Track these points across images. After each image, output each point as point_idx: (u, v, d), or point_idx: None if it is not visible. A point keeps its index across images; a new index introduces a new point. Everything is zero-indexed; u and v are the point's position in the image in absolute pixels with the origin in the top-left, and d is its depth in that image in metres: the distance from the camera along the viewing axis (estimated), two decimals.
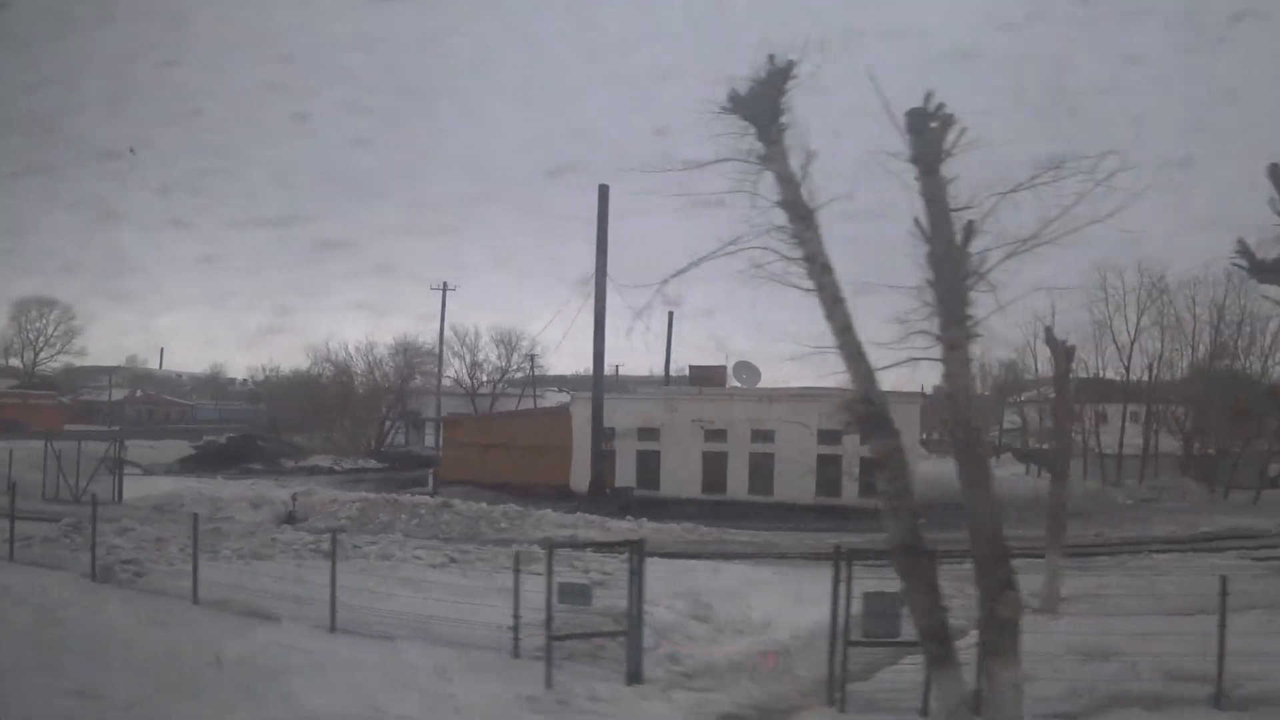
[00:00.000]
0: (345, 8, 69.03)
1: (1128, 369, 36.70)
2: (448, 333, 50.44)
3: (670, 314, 40.91)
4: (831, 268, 6.60)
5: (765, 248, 6.78)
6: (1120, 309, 36.18)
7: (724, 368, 33.05)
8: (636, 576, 8.28)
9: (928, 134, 6.12)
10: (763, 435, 27.56)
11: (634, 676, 8.16)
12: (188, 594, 11.37)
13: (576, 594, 8.42)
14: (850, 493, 27.35)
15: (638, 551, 8.44)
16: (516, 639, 8.69)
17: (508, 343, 53.00)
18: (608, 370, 32.86)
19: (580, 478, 29.08)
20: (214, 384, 71.27)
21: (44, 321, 50.23)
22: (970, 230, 6.25)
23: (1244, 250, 6.82)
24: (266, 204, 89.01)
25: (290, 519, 19.57)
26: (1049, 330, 13.57)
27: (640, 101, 65.46)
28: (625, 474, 28.56)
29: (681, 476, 28.05)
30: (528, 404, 49.84)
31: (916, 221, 6.32)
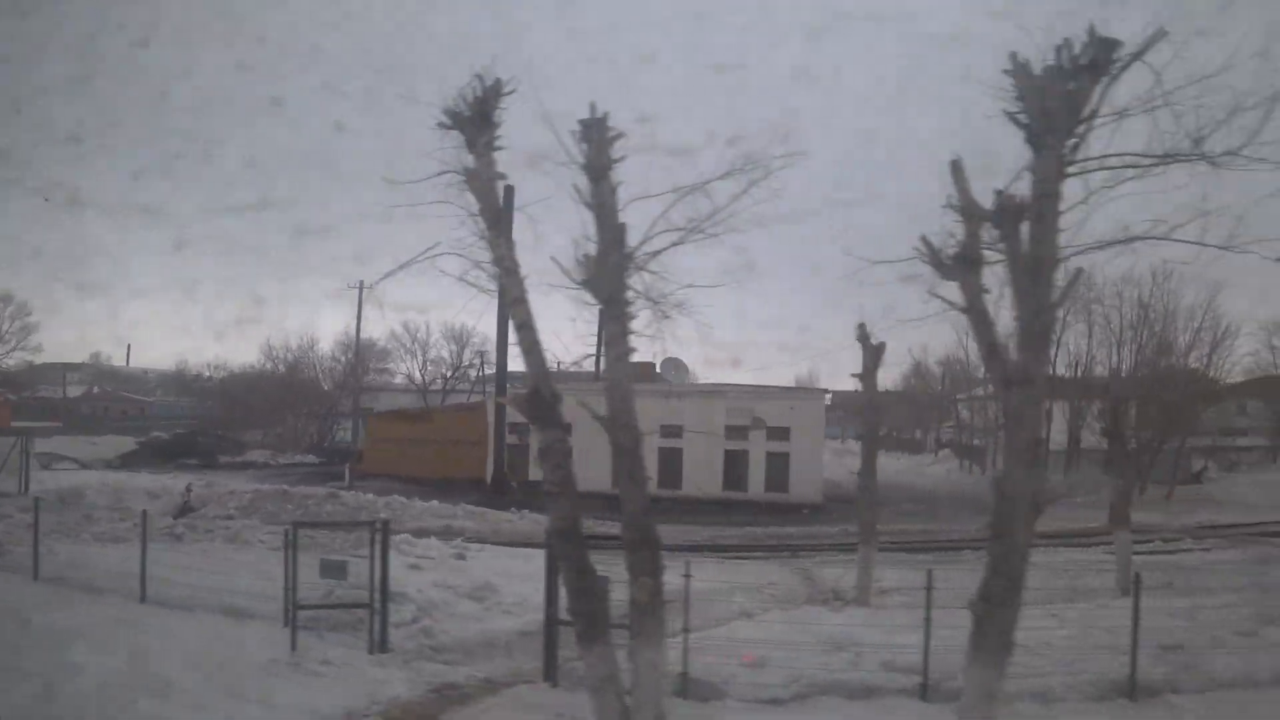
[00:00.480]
0: None
1: (1054, 365, 38.14)
2: (399, 329, 51.41)
3: (600, 311, 41.81)
4: (517, 270, 7.41)
5: (458, 253, 7.64)
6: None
7: (653, 364, 34.07)
8: (382, 554, 9.21)
9: (595, 143, 6.87)
10: (671, 431, 28.51)
11: (379, 646, 9.04)
12: (31, 570, 12.32)
13: (334, 569, 9.31)
14: (757, 487, 28.45)
15: (382, 532, 9.36)
16: (286, 609, 9.57)
17: (459, 340, 53.88)
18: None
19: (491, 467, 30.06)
20: (179, 380, 71.69)
21: None
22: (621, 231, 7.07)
23: (928, 246, 6.61)
24: (240, 189, 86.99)
25: (185, 509, 20.35)
26: (861, 327, 14.45)
27: (621, 88, 65.98)
28: (535, 466, 29.48)
29: (593, 470, 28.81)
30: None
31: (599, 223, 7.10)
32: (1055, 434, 38.33)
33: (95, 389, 60.23)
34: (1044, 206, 5.47)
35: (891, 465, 47.63)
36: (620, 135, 6.90)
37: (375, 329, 57.50)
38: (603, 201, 6.96)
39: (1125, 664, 8.14)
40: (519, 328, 7.45)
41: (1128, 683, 8.08)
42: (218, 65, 72.39)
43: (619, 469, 7.35)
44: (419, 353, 53.77)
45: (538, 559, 14.65)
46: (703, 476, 28.05)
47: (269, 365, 49.66)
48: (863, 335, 14.59)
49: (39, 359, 54.51)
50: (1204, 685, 8.09)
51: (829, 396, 30.87)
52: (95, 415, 54.63)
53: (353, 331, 49.58)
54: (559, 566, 7.15)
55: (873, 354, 14.64)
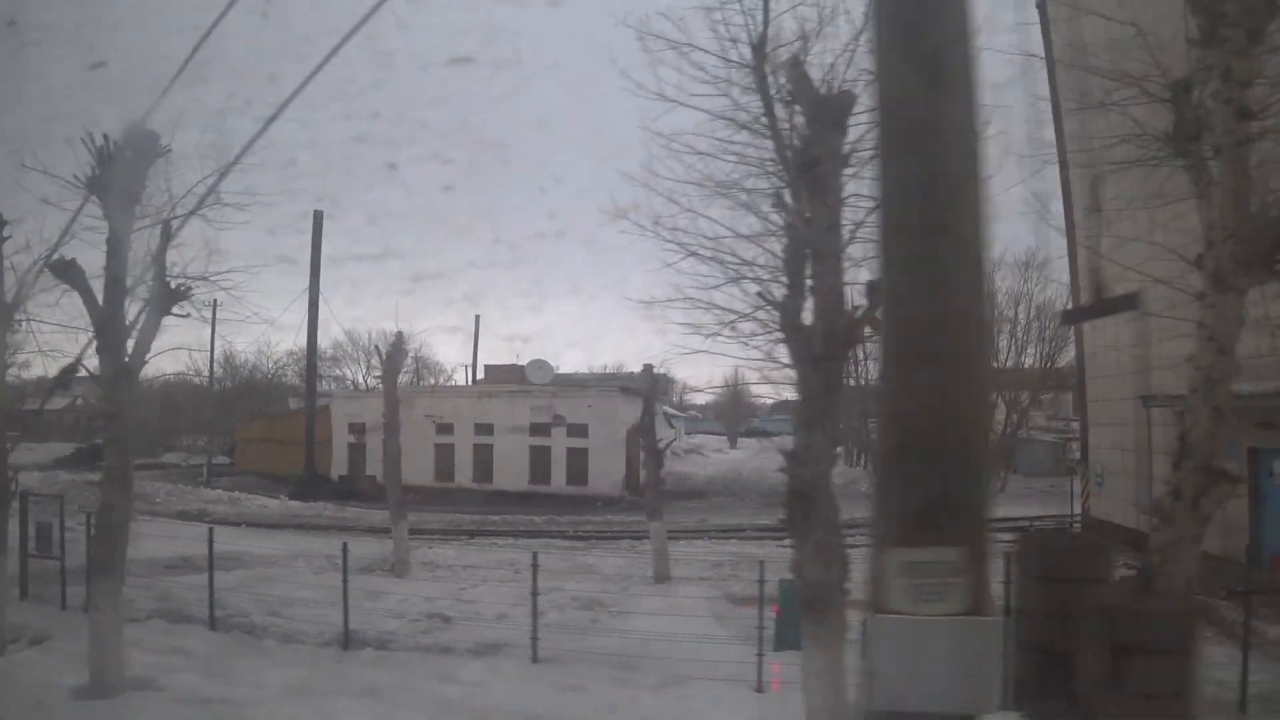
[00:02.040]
0: (424, 71, 78.48)
1: None
2: (342, 338, 54.95)
3: (477, 317, 44.57)
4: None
5: None
6: None
7: (520, 367, 36.62)
8: None
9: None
10: (484, 428, 31.00)
11: None
12: None
13: None
14: (559, 481, 30.74)
15: None
16: None
17: (398, 346, 57.08)
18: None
19: (339, 467, 32.95)
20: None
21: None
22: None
23: None
24: (364, 242, 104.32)
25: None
26: (399, 334, 17.25)
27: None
28: (374, 464, 32.27)
29: (417, 466, 31.53)
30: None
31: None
32: None
33: (78, 400, 65.37)
34: None
35: (770, 459, 49.34)
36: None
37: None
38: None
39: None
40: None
41: None
42: (339, 137, 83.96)
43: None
44: (361, 359, 57.31)
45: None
46: (512, 471, 30.45)
47: (222, 375, 53.59)
48: (396, 343, 17.22)
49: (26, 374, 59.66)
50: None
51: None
52: (70, 425, 59.40)
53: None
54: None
55: (394, 359, 17.11)
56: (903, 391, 2.59)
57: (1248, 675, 7.70)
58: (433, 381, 45.07)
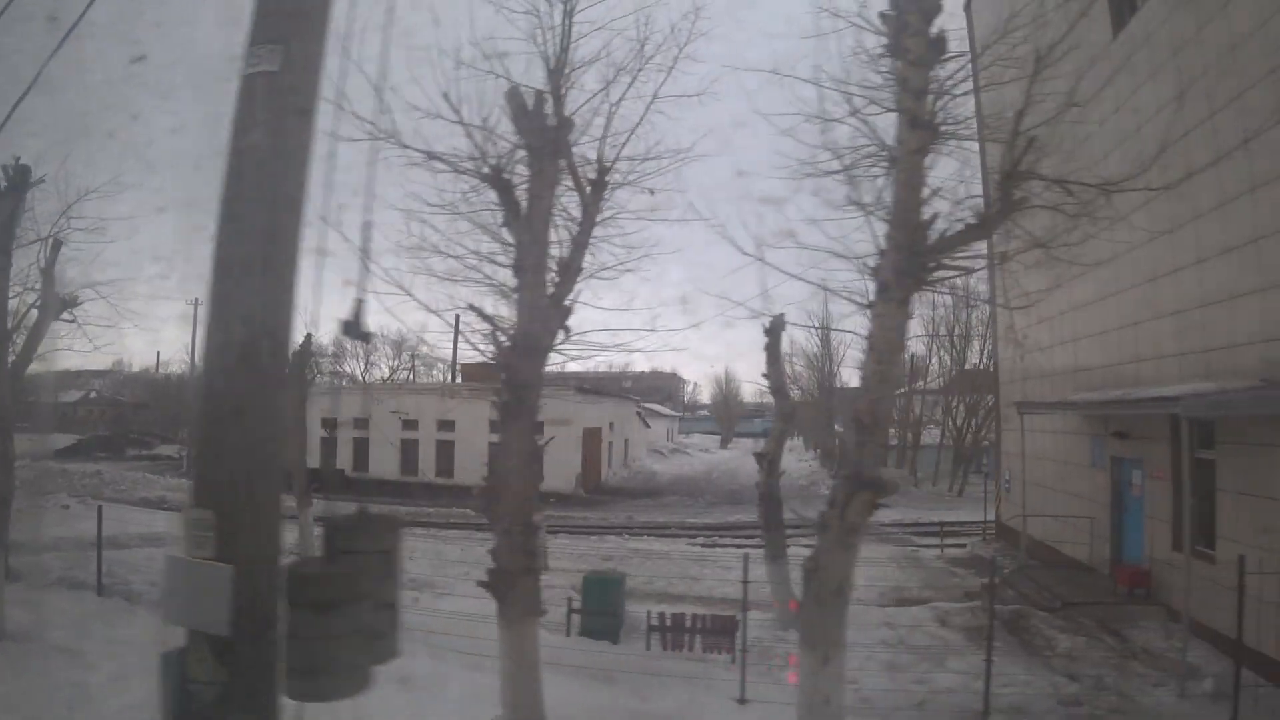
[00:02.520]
0: None
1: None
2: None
3: (457, 316, 45.65)
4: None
5: None
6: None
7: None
8: None
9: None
10: (446, 425, 31.91)
11: None
12: None
13: None
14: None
15: None
16: None
17: (398, 344, 58.59)
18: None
19: (312, 459, 34.05)
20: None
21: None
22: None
23: None
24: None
25: None
26: (307, 335, 17.95)
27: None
28: (344, 458, 33.38)
29: (385, 460, 32.66)
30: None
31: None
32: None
33: (92, 394, 67.66)
34: None
35: (752, 459, 49.84)
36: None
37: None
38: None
39: None
40: None
41: None
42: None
43: None
44: (361, 356, 58.81)
45: None
46: (472, 466, 31.28)
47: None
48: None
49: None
50: None
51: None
52: (83, 417, 61.63)
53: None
54: None
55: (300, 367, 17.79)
56: (212, 396, 3.27)
57: (990, 685, 8.06)
58: (412, 378, 46.14)
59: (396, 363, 57.92)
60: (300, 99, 3.34)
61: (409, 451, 32.28)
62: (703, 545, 20.11)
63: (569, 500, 29.56)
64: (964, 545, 19.99)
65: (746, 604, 9.01)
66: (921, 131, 5.82)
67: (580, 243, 8.04)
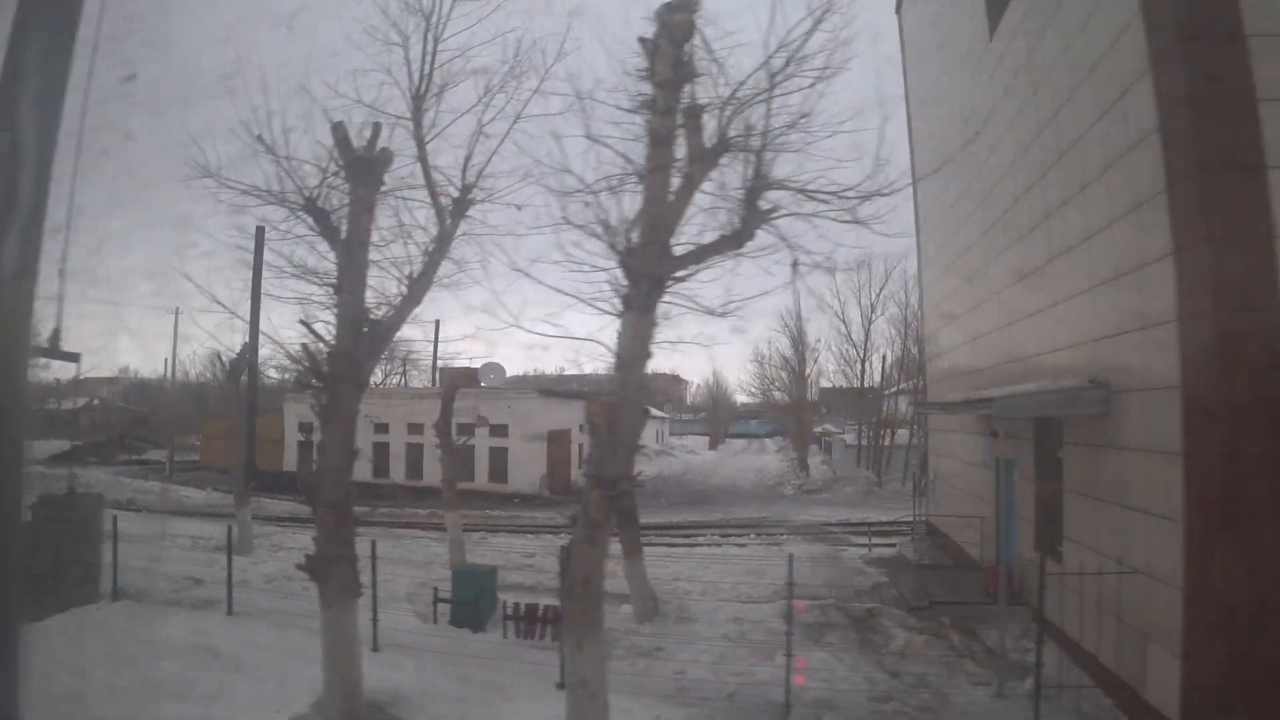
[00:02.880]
0: None
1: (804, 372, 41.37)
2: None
3: (437, 322, 46.50)
4: None
5: None
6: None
7: (474, 369, 38.37)
8: None
9: None
10: (415, 428, 32.71)
11: None
12: None
13: None
14: (482, 477, 32.35)
15: None
16: None
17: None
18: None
19: (290, 463, 35.04)
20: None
21: None
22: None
23: None
24: None
25: None
26: (244, 344, 18.98)
27: None
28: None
29: (359, 463, 33.51)
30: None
31: None
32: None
33: (96, 401, 69.20)
34: None
35: (735, 460, 50.52)
36: None
37: None
38: None
39: None
40: None
41: None
42: None
43: None
44: None
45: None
46: (438, 468, 32.05)
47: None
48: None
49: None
50: None
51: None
52: (85, 425, 63.06)
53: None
54: None
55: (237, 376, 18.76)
56: None
57: (790, 678, 8.52)
58: (404, 383, 47.02)
59: (389, 367, 58.94)
60: None
61: (380, 454, 33.10)
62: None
63: (533, 501, 30.29)
64: (894, 545, 20.49)
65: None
66: (661, 149, 6.48)
67: (434, 259, 8.82)
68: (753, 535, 22.21)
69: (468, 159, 8.77)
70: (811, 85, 6.61)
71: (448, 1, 8.70)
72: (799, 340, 42.12)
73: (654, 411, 64.69)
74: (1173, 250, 7.63)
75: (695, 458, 54.35)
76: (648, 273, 6.41)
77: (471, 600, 10.84)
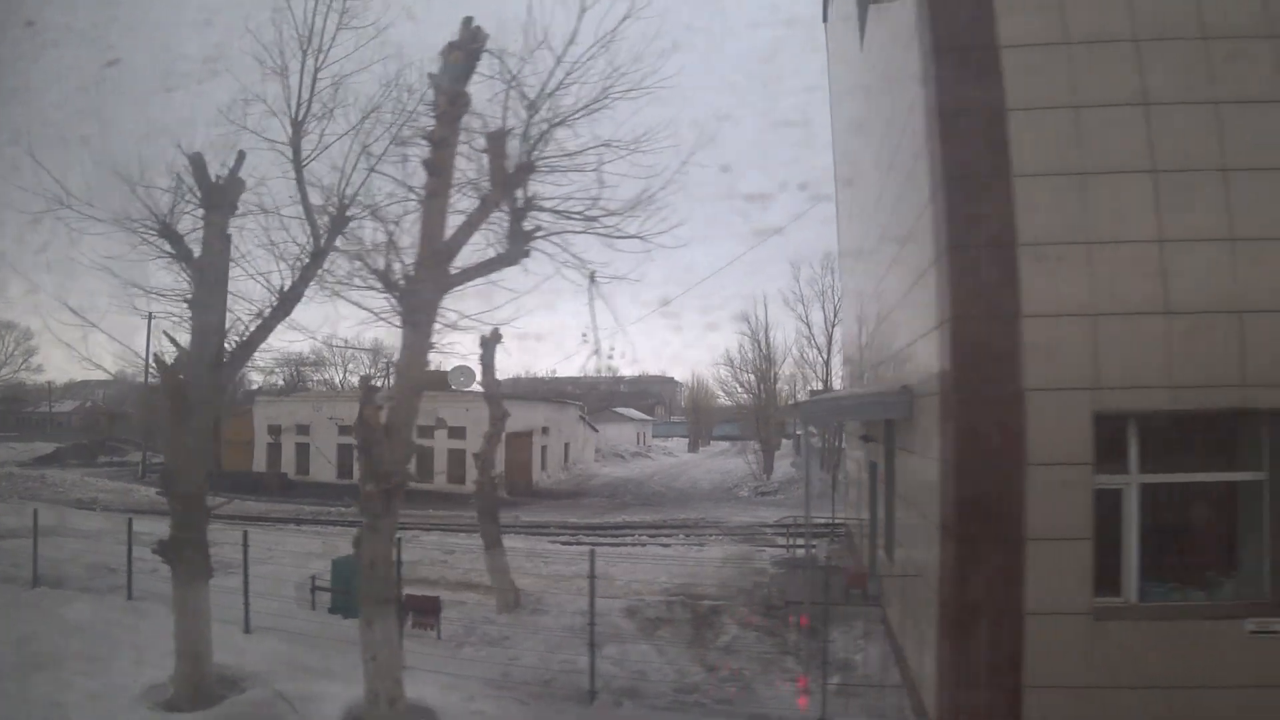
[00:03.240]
0: None
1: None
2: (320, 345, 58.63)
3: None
4: None
5: None
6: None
7: (444, 372, 39.32)
8: None
9: None
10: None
11: None
12: None
13: None
14: (441, 479, 33.30)
15: None
16: None
17: (374, 353, 60.76)
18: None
19: (260, 464, 36.09)
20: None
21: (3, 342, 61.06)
22: None
23: None
24: None
25: None
26: (179, 348, 19.74)
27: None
28: (288, 462, 35.33)
29: (324, 464, 34.56)
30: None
31: None
32: None
33: (87, 404, 70.50)
34: None
35: (709, 462, 51.30)
36: None
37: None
38: None
39: None
40: None
41: None
42: None
43: None
44: (340, 364, 61.07)
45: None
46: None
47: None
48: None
49: (35, 378, 64.95)
50: None
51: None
52: (73, 428, 64.27)
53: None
54: None
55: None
56: None
57: (595, 667, 9.16)
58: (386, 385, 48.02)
59: (374, 370, 59.96)
60: None
61: (345, 455, 34.09)
62: (551, 542, 21.63)
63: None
64: (814, 546, 21.26)
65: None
66: (435, 179, 7.40)
67: (306, 275, 9.78)
68: (681, 536, 23.02)
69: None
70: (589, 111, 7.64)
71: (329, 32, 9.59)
72: (763, 343, 43.13)
73: (634, 414, 65.56)
74: (933, 258, 7.79)
75: (670, 460, 55.21)
76: (414, 296, 7.38)
77: (346, 589, 11.72)
